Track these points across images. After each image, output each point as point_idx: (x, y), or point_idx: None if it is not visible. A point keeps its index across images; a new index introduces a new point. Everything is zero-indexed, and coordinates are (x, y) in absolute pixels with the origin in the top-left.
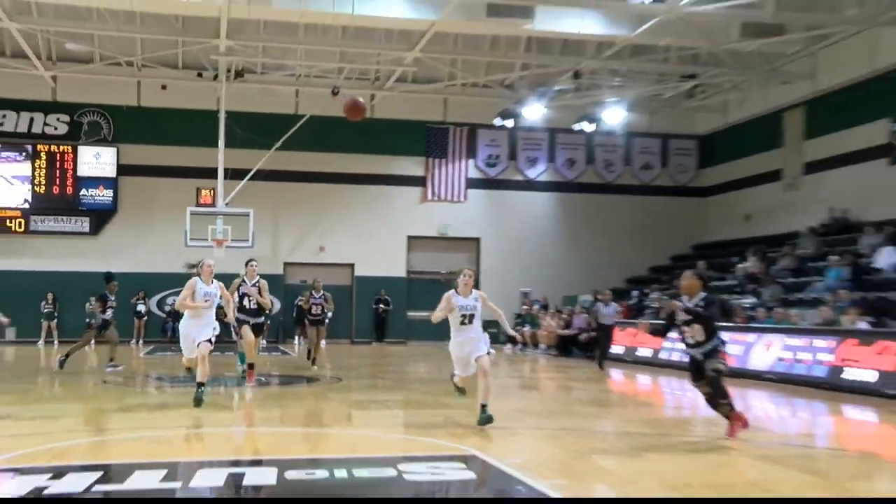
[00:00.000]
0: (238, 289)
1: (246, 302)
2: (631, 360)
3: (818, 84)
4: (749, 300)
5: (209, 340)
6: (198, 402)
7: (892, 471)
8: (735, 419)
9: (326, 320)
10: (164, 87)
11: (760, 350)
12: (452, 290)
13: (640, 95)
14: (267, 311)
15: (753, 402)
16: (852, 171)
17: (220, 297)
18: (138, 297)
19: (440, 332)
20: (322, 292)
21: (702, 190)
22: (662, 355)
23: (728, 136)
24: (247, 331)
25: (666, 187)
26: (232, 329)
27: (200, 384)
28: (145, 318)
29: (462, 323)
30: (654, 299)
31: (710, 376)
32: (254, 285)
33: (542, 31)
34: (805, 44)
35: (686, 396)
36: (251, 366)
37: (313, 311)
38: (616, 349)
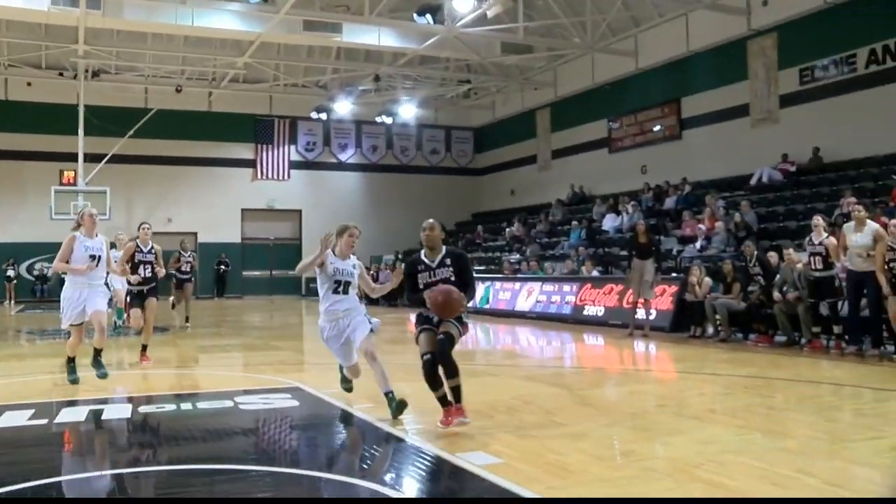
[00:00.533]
0: (134, 256)
1: (141, 270)
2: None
3: (559, 91)
4: (515, 256)
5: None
6: (103, 375)
7: (615, 379)
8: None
9: (194, 278)
10: (29, 84)
11: (524, 295)
12: (329, 250)
13: (428, 95)
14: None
15: (520, 336)
16: (586, 157)
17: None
18: (8, 263)
19: (271, 287)
20: (190, 252)
21: (477, 170)
22: None
23: (496, 128)
24: (144, 304)
25: (449, 168)
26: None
27: (97, 358)
28: (15, 281)
29: (335, 291)
30: None
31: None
32: (150, 251)
33: (349, 43)
34: (548, 61)
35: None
36: (144, 347)
37: (183, 269)
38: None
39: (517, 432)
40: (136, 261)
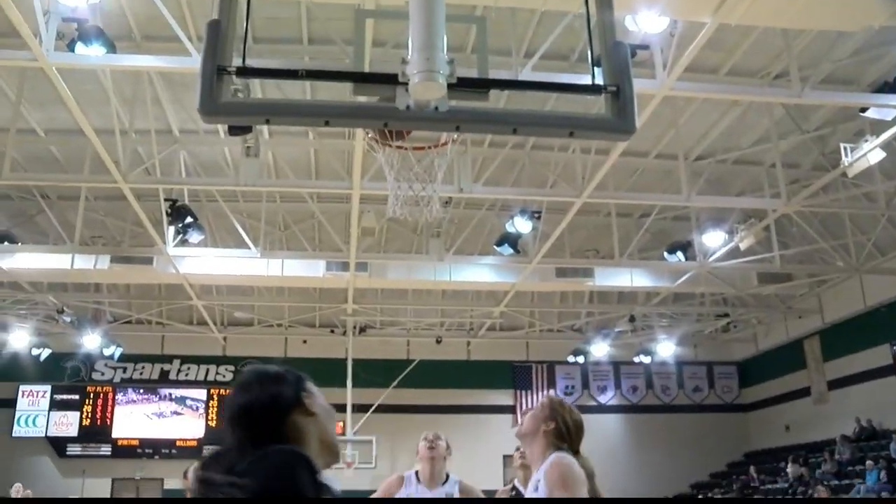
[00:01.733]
0: None
1: None
2: None
3: (826, 317)
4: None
5: None
6: None
7: None
8: None
9: None
10: (304, 342)
11: None
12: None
13: (685, 332)
14: None
15: None
16: (870, 386)
17: None
18: None
19: None
20: None
21: (744, 406)
22: None
23: (761, 360)
24: None
25: (714, 405)
26: None
27: None
28: None
29: None
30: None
31: None
32: None
33: (601, 286)
34: (810, 287)
35: None
36: None
37: None
38: None
39: None
40: None
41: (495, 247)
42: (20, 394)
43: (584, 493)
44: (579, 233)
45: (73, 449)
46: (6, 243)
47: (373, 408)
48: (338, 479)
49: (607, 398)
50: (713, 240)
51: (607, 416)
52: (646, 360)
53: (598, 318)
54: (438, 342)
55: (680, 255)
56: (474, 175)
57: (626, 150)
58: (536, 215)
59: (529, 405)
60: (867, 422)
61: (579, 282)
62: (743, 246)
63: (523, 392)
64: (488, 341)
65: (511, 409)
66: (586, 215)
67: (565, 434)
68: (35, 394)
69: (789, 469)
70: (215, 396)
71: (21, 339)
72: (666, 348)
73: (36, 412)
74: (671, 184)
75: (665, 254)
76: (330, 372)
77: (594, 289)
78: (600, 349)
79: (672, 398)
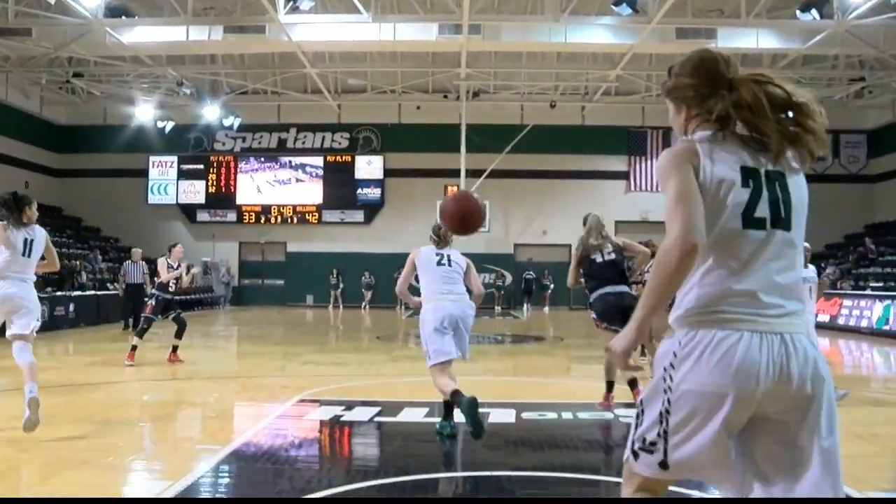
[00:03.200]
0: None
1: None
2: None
3: None
4: None
5: None
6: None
7: None
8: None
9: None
10: (418, 108)
11: None
12: None
13: (813, 97)
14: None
15: None
16: None
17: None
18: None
19: None
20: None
21: (871, 177)
22: (840, 321)
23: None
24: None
25: (837, 175)
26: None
27: None
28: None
29: None
30: (829, 272)
31: None
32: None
33: (725, 48)
34: None
35: (864, 357)
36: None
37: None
38: None
39: None
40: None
41: (613, 6)
42: (151, 164)
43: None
44: None
45: (202, 215)
46: (124, 17)
47: (486, 173)
48: (453, 241)
49: None
50: None
51: None
52: None
53: None
54: (552, 107)
55: (814, 12)
56: None
57: None
58: None
59: (644, 171)
60: None
61: (701, 43)
62: None
63: (637, 158)
64: (603, 106)
65: (624, 175)
66: None
67: None
68: (164, 164)
69: None
70: (331, 164)
71: (146, 113)
72: None
73: (166, 181)
74: None
75: (797, 12)
76: (443, 137)
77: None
78: None
79: None
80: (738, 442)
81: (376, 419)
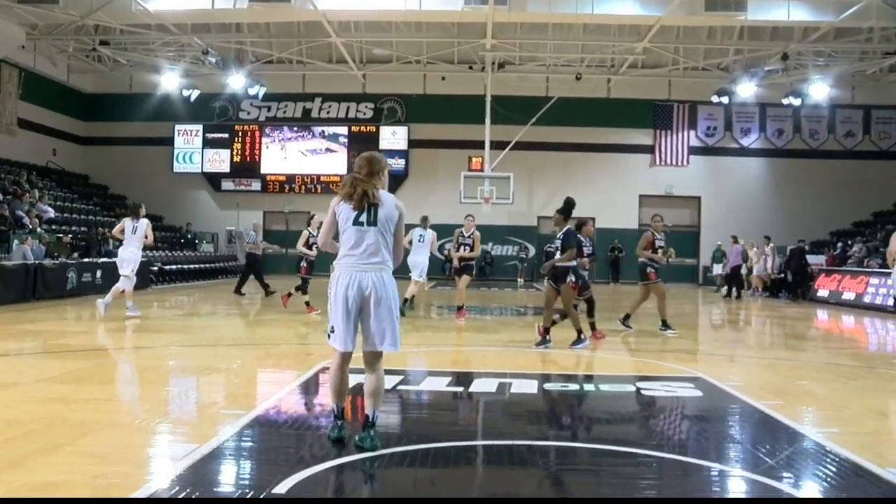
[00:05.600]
0: (457, 239)
1: (462, 250)
2: (835, 303)
3: None
4: None
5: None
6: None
7: None
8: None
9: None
10: (443, 79)
11: None
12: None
13: (844, 72)
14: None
15: None
16: None
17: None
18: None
19: (667, 274)
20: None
21: None
22: (866, 299)
23: None
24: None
25: (868, 152)
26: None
27: None
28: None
29: None
30: (856, 250)
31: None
32: (470, 236)
33: (754, 21)
34: None
35: (889, 335)
36: (460, 307)
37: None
38: (822, 293)
39: None
40: (460, 243)
41: None
42: (176, 132)
43: None
44: None
45: (227, 184)
46: None
47: (510, 144)
48: (476, 214)
49: (750, 141)
50: None
51: (749, 159)
52: (795, 102)
53: (747, 56)
54: (578, 79)
55: None
56: None
57: None
58: None
59: (668, 145)
60: None
61: (730, 15)
62: None
63: (663, 132)
64: (629, 79)
65: (650, 149)
66: None
67: None
68: (189, 132)
69: None
70: (355, 134)
71: (172, 81)
72: (819, 90)
73: (191, 150)
74: None
75: None
76: (468, 108)
77: (746, 23)
78: (746, 89)
79: (820, 143)
80: None
81: (399, 388)
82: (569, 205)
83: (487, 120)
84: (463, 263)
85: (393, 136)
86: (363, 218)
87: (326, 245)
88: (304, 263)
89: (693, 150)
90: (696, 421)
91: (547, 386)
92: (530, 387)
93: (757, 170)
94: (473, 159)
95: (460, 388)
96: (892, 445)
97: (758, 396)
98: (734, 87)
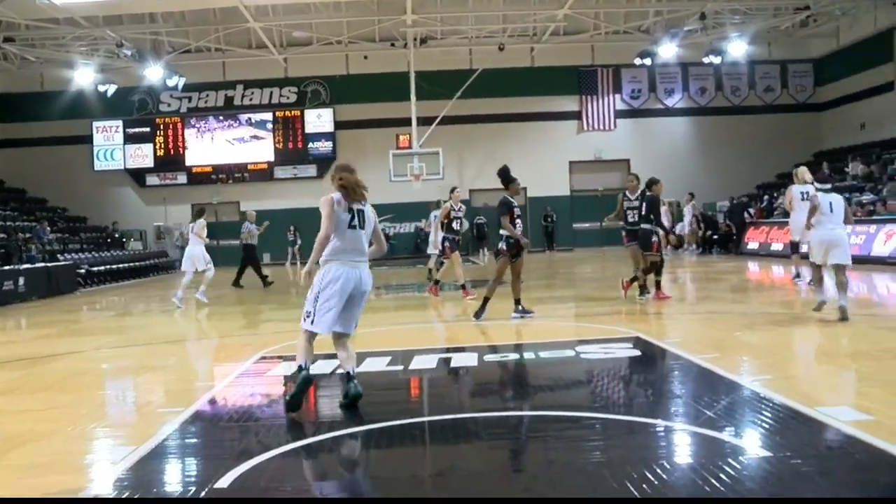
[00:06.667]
0: (448, 213)
1: (455, 224)
2: (765, 254)
3: None
4: (868, 197)
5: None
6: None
7: None
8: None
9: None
10: (365, 58)
11: (880, 239)
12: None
13: (759, 29)
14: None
15: (878, 284)
16: None
17: None
18: None
19: (602, 238)
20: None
21: (818, 106)
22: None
23: (840, 57)
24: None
25: (786, 105)
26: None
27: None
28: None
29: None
30: (782, 202)
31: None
32: (460, 209)
33: None
34: None
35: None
36: (463, 286)
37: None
38: (751, 245)
39: (889, 388)
40: (451, 217)
41: None
42: (95, 130)
43: None
44: None
45: (152, 179)
46: None
47: (437, 119)
48: (407, 191)
49: (674, 101)
50: None
51: (674, 118)
52: (716, 60)
53: (666, 17)
54: (501, 49)
55: None
56: None
57: None
58: None
59: (595, 110)
60: None
61: None
62: None
63: (589, 97)
64: (552, 46)
65: (577, 115)
66: None
67: None
68: (108, 129)
69: (849, 168)
70: (280, 119)
71: (86, 77)
72: (737, 47)
73: (112, 146)
74: None
75: None
76: (393, 86)
77: None
78: (668, 50)
79: (742, 99)
80: None
81: (338, 371)
82: (504, 172)
83: (413, 96)
84: (454, 237)
85: (318, 119)
86: (355, 222)
87: (329, 238)
88: (447, 244)
89: (619, 114)
90: (636, 380)
91: (487, 358)
92: (471, 360)
93: (683, 129)
94: (401, 137)
95: (400, 367)
96: (817, 386)
97: (695, 351)
98: (656, 48)
